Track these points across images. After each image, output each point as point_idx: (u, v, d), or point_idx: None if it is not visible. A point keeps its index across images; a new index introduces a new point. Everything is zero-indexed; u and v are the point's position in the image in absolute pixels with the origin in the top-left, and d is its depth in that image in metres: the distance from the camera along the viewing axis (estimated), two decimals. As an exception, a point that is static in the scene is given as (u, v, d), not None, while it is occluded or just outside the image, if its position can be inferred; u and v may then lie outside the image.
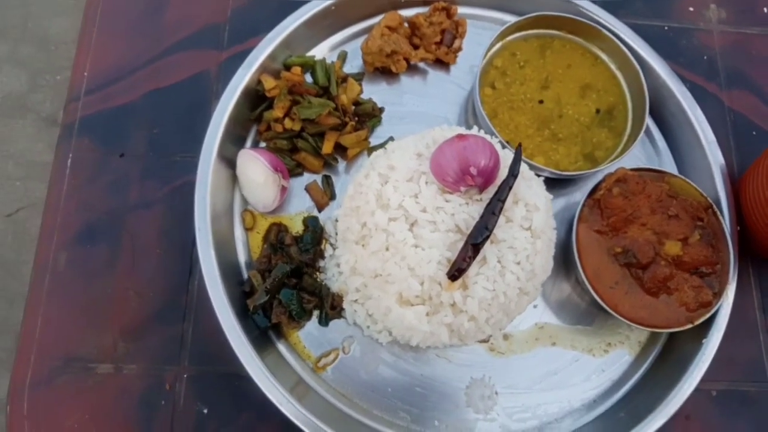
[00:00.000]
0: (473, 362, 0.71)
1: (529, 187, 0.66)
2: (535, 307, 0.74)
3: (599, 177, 0.73)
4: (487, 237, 0.61)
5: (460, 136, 0.63)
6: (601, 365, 0.72)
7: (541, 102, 0.80)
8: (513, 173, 0.63)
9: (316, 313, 0.70)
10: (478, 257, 0.61)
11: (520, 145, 0.65)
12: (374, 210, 0.65)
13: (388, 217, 0.64)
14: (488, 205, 0.62)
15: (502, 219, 0.63)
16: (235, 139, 0.75)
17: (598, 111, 0.80)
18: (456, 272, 0.60)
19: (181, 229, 0.72)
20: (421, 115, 0.80)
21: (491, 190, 0.63)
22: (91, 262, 0.70)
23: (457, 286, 0.62)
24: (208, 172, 0.69)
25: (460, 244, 0.62)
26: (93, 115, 0.77)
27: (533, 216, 0.64)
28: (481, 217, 0.62)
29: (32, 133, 1.77)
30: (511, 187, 0.63)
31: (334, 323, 0.71)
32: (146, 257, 0.71)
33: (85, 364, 0.67)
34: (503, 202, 0.62)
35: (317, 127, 0.73)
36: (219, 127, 0.71)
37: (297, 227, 0.74)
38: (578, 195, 0.79)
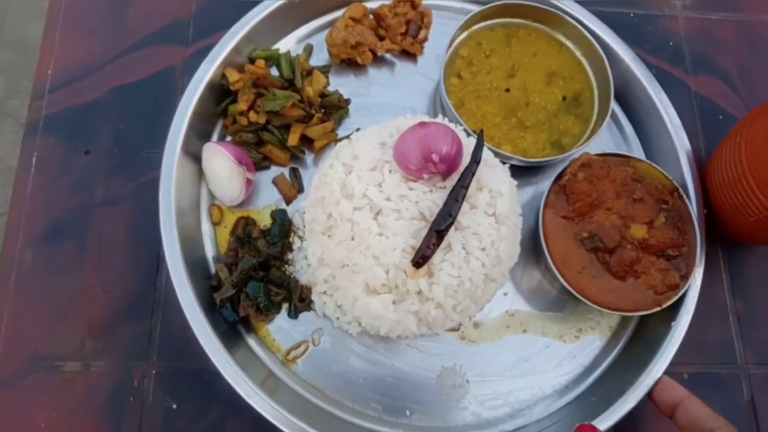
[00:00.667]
0: (444, 351, 0.71)
1: (493, 173, 0.66)
2: (505, 294, 0.74)
3: (566, 164, 0.73)
4: (451, 224, 0.61)
5: (421, 124, 0.63)
6: (572, 351, 0.73)
7: (507, 90, 0.80)
8: (475, 159, 0.63)
9: (285, 306, 0.70)
10: (443, 244, 0.61)
11: (482, 131, 0.65)
12: (339, 200, 0.64)
13: (352, 206, 0.63)
14: (451, 192, 0.62)
15: (466, 206, 0.63)
16: (200, 133, 0.74)
17: (564, 98, 0.80)
18: (420, 259, 0.60)
19: (148, 225, 0.71)
20: (389, 106, 0.80)
21: (454, 177, 0.63)
22: (57, 260, 0.70)
23: (422, 273, 0.62)
24: (172, 167, 0.69)
25: (425, 232, 0.62)
26: (57, 113, 0.76)
27: (497, 202, 0.65)
28: (445, 204, 0.62)
29: (11, 138, 1.76)
30: (473, 174, 0.63)
31: (304, 316, 0.70)
32: (113, 254, 0.70)
33: (52, 363, 0.66)
34: (466, 188, 0.62)
35: (283, 120, 0.73)
36: (183, 121, 0.71)
37: (265, 221, 0.73)
38: (547, 183, 0.78)
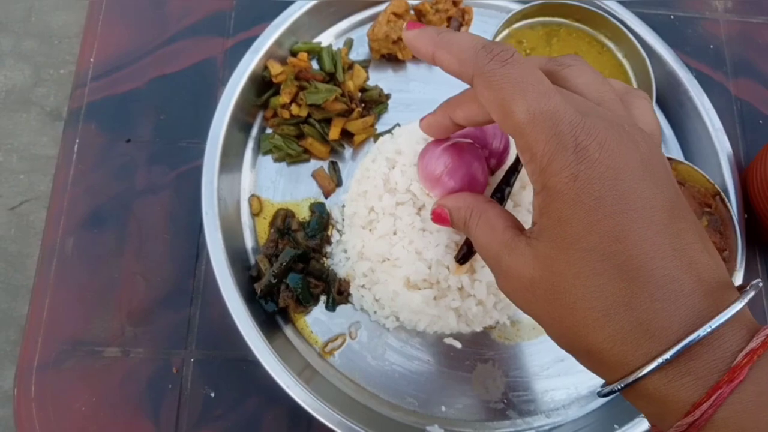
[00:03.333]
0: (480, 348, 0.71)
1: (537, 172, 0.66)
2: (542, 293, 0.73)
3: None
4: (495, 221, 0.61)
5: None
6: (607, 352, 0.72)
7: (548, 89, 0.79)
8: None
9: (322, 298, 0.70)
10: (486, 241, 0.61)
11: (528, 129, 0.65)
12: (382, 194, 0.65)
13: (395, 201, 0.64)
14: (496, 189, 0.62)
15: (509, 204, 0.63)
16: (241, 125, 0.75)
17: (606, 99, 0.80)
18: (464, 256, 0.60)
19: (188, 215, 0.72)
20: (428, 103, 0.79)
21: (498, 176, 0.63)
22: (98, 247, 0.70)
23: (465, 270, 0.62)
24: (215, 158, 0.69)
25: (468, 229, 0.62)
26: (99, 101, 0.77)
27: (541, 201, 0.64)
28: (489, 201, 0.61)
29: (36, 127, 1.77)
30: (518, 172, 0.63)
31: (341, 309, 0.71)
32: (153, 242, 0.71)
33: (92, 348, 0.67)
34: (511, 186, 0.62)
35: (324, 113, 0.73)
36: (226, 112, 0.71)
37: (303, 213, 0.74)
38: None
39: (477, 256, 0.61)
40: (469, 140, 0.61)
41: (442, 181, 0.60)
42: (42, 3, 1.91)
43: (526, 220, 0.63)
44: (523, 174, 0.64)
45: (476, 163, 0.60)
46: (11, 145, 1.75)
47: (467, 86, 0.43)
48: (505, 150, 0.63)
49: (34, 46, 1.86)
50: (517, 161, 0.63)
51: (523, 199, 0.64)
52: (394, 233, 0.64)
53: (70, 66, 1.82)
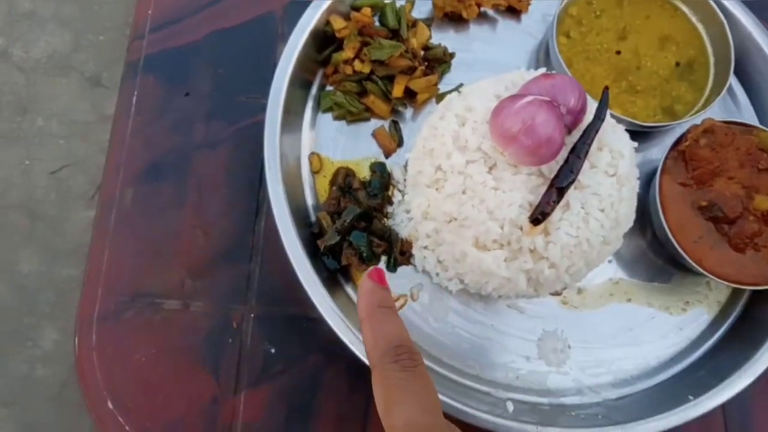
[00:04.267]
0: (545, 314, 0.69)
1: (614, 134, 0.63)
2: (609, 261, 0.71)
3: (678, 131, 0.70)
4: (573, 181, 0.58)
5: (546, 75, 0.60)
6: (678, 323, 0.70)
7: (618, 53, 0.76)
8: (600, 116, 0.60)
9: (383, 258, 0.69)
10: (561, 203, 0.59)
11: (606, 88, 0.62)
12: (451, 152, 0.62)
13: (465, 159, 0.61)
14: (573, 148, 0.59)
15: (586, 165, 0.60)
16: (301, 82, 0.73)
17: (677, 64, 0.76)
18: (540, 215, 0.58)
19: (247, 171, 0.71)
20: (491, 63, 0.78)
21: (575, 136, 0.61)
22: (157, 199, 0.69)
23: (539, 230, 0.59)
24: (277, 113, 0.67)
25: (542, 189, 0.59)
26: (157, 53, 0.75)
27: (618, 162, 0.62)
28: (566, 160, 0.59)
29: (76, 92, 1.78)
30: (597, 131, 0.60)
31: (402, 270, 0.69)
32: (212, 196, 0.70)
33: (152, 300, 0.66)
34: (589, 145, 0.59)
35: (387, 70, 0.71)
36: (288, 68, 0.69)
37: (364, 172, 0.72)
38: (655, 150, 0.76)
39: (551, 218, 0.59)
40: (547, 98, 0.59)
41: (519, 140, 0.58)
42: (82, -32, 1.90)
43: (602, 182, 0.61)
44: (599, 135, 0.61)
45: (554, 122, 0.57)
46: (51, 111, 1.76)
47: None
48: (582, 109, 0.60)
49: (75, 12, 1.85)
50: (596, 118, 0.60)
51: (600, 161, 0.61)
52: (463, 192, 0.62)
53: (110, 32, 1.82)
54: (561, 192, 0.58)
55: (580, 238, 0.60)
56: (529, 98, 0.57)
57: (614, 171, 0.62)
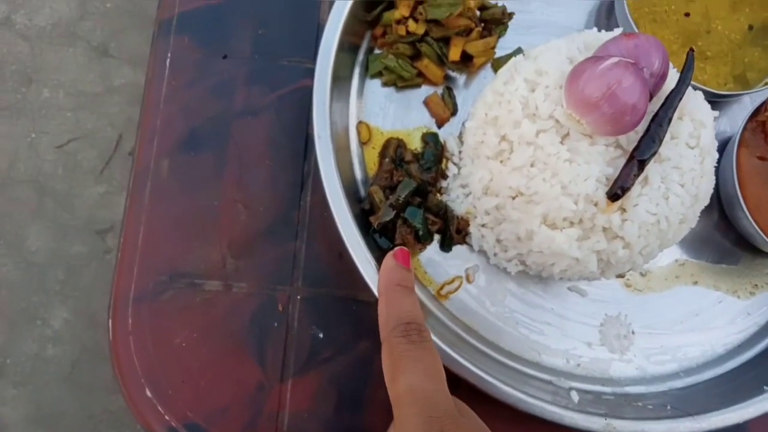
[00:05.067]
0: (608, 298, 0.65)
1: (695, 101, 0.58)
2: (676, 241, 0.67)
3: (749, 102, 0.65)
4: (655, 152, 0.53)
5: (627, 34, 0.55)
6: (746, 308, 0.66)
7: (687, 15, 0.71)
8: (685, 81, 0.55)
9: (437, 237, 0.64)
10: (639, 177, 0.54)
11: (692, 50, 0.57)
12: (519, 120, 0.57)
13: (536, 128, 0.56)
14: (654, 116, 0.54)
15: (666, 135, 0.55)
16: (348, 45, 0.67)
17: (750, 27, 0.71)
18: (619, 190, 0.53)
19: (291, 141, 0.65)
20: (551, 25, 0.72)
21: (655, 103, 0.56)
22: (195, 171, 0.64)
23: (616, 207, 0.55)
24: (326, 80, 0.62)
25: (620, 162, 0.55)
26: (191, 11, 0.69)
27: (701, 133, 0.57)
28: (647, 130, 0.54)
29: (83, 62, 1.71)
30: (681, 98, 0.55)
31: (457, 249, 0.64)
32: (254, 168, 0.65)
33: (191, 280, 0.61)
34: (672, 113, 0.54)
35: (443, 31, 0.65)
36: (336, 29, 0.63)
37: (415, 144, 0.67)
38: (725, 121, 0.71)
39: (630, 192, 0.54)
40: (630, 59, 0.53)
41: (600, 107, 0.52)
42: (87, -68, 1.82)
43: (683, 154, 0.56)
44: (682, 103, 0.56)
45: (640, 88, 0.52)
46: (57, 81, 1.69)
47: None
48: (665, 73, 0.55)
49: (80, -22, 1.77)
50: (681, 83, 0.55)
51: (681, 131, 0.56)
52: (532, 165, 0.57)
53: (117, 0, 1.74)
54: (642, 164, 0.53)
55: (659, 215, 0.55)
56: (614, 59, 0.52)
57: (696, 142, 0.57)
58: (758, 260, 0.67)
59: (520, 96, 0.58)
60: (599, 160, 0.55)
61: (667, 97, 0.55)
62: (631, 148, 0.54)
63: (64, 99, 1.68)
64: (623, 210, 0.55)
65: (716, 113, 0.60)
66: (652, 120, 0.54)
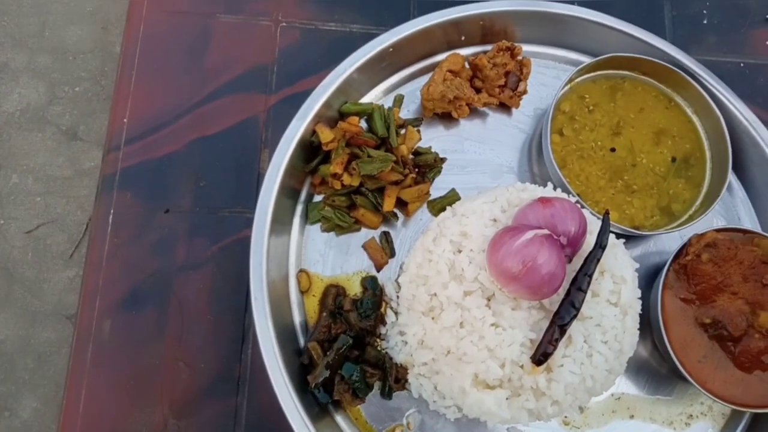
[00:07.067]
0: (546, 437, 0.66)
1: (615, 257, 0.61)
2: (611, 376, 0.69)
3: (679, 235, 0.68)
4: (575, 316, 0.56)
5: (543, 201, 0.57)
6: (682, 440, 0.68)
7: (613, 150, 0.74)
8: (601, 245, 0.58)
9: (377, 384, 0.66)
10: (563, 337, 0.56)
11: (607, 212, 0.59)
12: (447, 282, 0.60)
13: (462, 290, 0.59)
14: (574, 280, 0.57)
15: (587, 294, 0.58)
16: (289, 192, 0.69)
17: (674, 159, 0.74)
18: (542, 356, 0.55)
19: (232, 293, 0.67)
20: (484, 164, 0.75)
21: (576, 263, 0.58)
22: (136, 331, 0.65)
23: (541, 370, 0.57)
24: (264, 235, 0.64)
25: (543, 324, 0.57)
26: (134, 166, 0.71)
27: (621, 289, 0.59)
28: (567, 293, 0.56)
29: (52, 146, 1.72)
30: (599, 260, 0.57)
31: (398, 394, 0.66)
32: (196, 324, 0.66)
33: (134, 444, 0.62)
34: (590, 276, 0.57)
35: (377, 182, 0.68)
36: (274, 184, 0.66)
37: (355, 288, 0.69)
38: (653, 249, 0.74)
39: (554, 355, 0.56)
40: (546, 231, 0.56)
41: (519, 280, 0.55)
42: (55, 17, 1.85)
43: (604, 312, 0.59)
44: (603, 259, 0.59)
45: (556, 259, 0.55)
46: (26, 166, 1.70)
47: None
48: (583, 234, 0.58)
49: (49, 63, 1.80)
50: (597, 247, 0.58)
51: (601, 288, 0.59)
52: (461, 326, 0.59)
53: (86, 83, 1.76)
54: (563, 329, 0.55)
55: (583, 374, 0.57)
56: (529, 235, 0.55)
57: (617, 299, 0.59)
58: (692, 390, 0.69)
59: (446, 259, 0.60)
60: (523, 325, 0.57)
61: (585, 260, 0.58)
62: (554, 309, 0.57)
63: (33, 184, 1.69)
64: (549, 370, 0.57)
65: (637, 265, 0.63)
66: (572, 283, 0.57)
